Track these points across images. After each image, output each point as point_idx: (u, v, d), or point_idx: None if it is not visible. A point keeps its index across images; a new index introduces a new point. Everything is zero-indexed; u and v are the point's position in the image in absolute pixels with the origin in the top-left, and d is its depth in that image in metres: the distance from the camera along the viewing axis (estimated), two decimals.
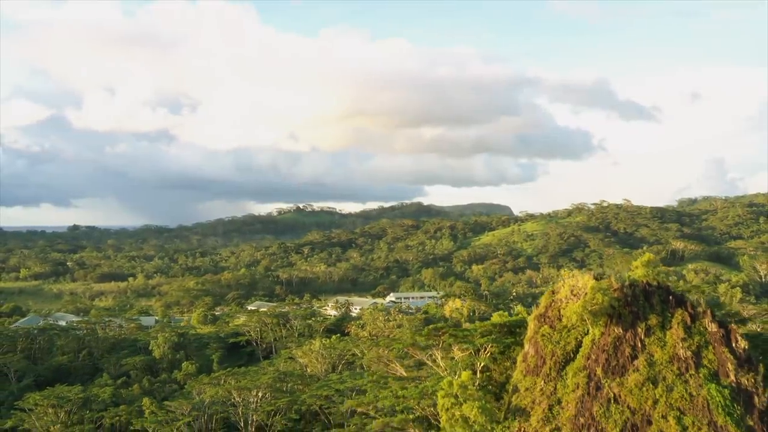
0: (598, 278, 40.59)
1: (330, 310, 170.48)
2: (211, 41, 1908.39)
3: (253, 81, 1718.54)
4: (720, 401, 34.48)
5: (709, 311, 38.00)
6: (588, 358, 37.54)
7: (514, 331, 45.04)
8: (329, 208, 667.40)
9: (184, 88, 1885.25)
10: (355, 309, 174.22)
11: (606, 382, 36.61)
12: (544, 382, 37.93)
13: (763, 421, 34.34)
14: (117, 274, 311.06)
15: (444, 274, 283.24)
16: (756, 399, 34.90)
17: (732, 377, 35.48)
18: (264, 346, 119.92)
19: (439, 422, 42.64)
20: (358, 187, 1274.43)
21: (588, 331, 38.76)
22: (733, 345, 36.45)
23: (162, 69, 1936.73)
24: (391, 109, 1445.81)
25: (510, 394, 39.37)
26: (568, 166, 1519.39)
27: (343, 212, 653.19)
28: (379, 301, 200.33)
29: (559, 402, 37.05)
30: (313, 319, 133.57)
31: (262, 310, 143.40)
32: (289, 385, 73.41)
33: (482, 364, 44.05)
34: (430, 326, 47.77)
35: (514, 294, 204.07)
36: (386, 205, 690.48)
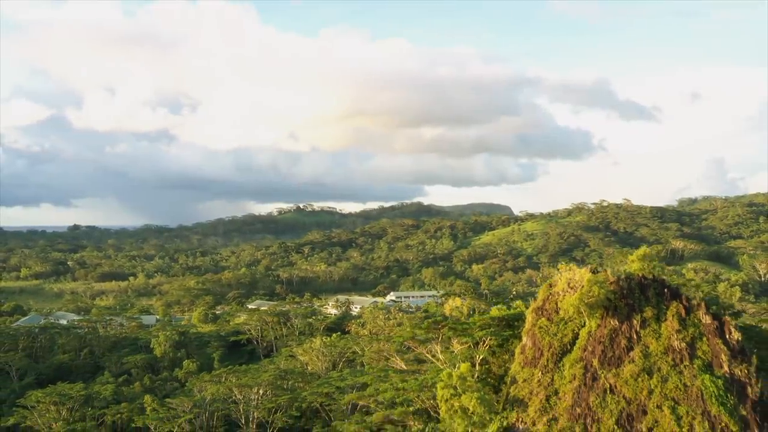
0: (594, 272, 41.24)
1: (330, 309, 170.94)
2: (211, 41, 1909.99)
3: (253, 81, 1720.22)
4: (714, 391, 35.13)
5: (703, 304, 38.71)
6: (584, 350, 38.23)
7: (513, 324, 45.76)
8: (329, 208, 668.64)
9: (184, 88, 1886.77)
10: (356, 308, 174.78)
11: (602, 373, 37.30)
12: (542, 374, 38.62)
13: (756, 410, 34.98)
14: (117, 274, 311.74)
15: (444, 273, 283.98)
16: (749, 389, 35.55)
17: (725, 368, 36.15)
18: (265, 344, 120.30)
19: (439, 414, 43.31)
20: (358, 187, 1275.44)
21: (585, 323, 39.47)
22: (727, 337, 37.12)
23: (162, 69, 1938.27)
24: (392, 109, 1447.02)
25: (508, 386, 40.06)
26: (568, 166, 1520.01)
27: (343, 212, 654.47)
28: (379, 300, 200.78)
29: (556, 393, 37.73)
30: (313, 317, 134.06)
31: (262, 308, 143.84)
32: (289, 382, 73.85)
33: (481, 357, 44.72)
34: (430, 319, 48.36)
35: (514, 293, 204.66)
36: (386, 205, 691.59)
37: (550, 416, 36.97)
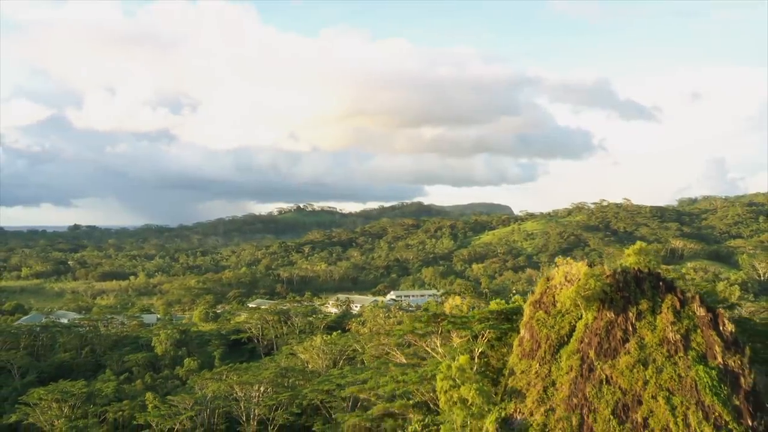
0: (591, 265, 41.97)
1: (331, 308, 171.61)
2: (212, 41, 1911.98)
3: (254, 81, 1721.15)
4: (707, 382, 35.79)
5: (697, 296, 39.39)
6: (581, 342, 38.91)
7: (511, 317, 46.48)
8: (330, 207, 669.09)
9: (185, 88, 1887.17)
10: (356, 307, 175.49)
11: (598, 364, 37.97)
12: (539, 365, 39.31)
13: (749, 400, 35.64)
14: (118, 273, 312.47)
15: (444, 272, 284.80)
16: (742, 380, 36.21)
17: (719, 359, 36.82)
18: (265, 343, 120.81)
19: (438, 406, 43.97)
20: (358, 186, 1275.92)
21: (581, 315, 40.16)
22: (721, 328, 37.80)
23: (162, 69, 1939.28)
24: (392, 108, 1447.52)
25: (506, 377, 40.75)
26: (568, 166, 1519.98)
27: (343, 212, 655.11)
28: (379, 299, 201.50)
29: (553, 384, 38.40)
30: (313, 316, 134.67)
31: (263, 307, 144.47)
32: (290, 380, 74.23)
33: (480, 350, 45.39)
34: (430, 313, 49.06)
35: (514, 291, 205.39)
36: (387, 204, 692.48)
37: (548, 407, 37.65)
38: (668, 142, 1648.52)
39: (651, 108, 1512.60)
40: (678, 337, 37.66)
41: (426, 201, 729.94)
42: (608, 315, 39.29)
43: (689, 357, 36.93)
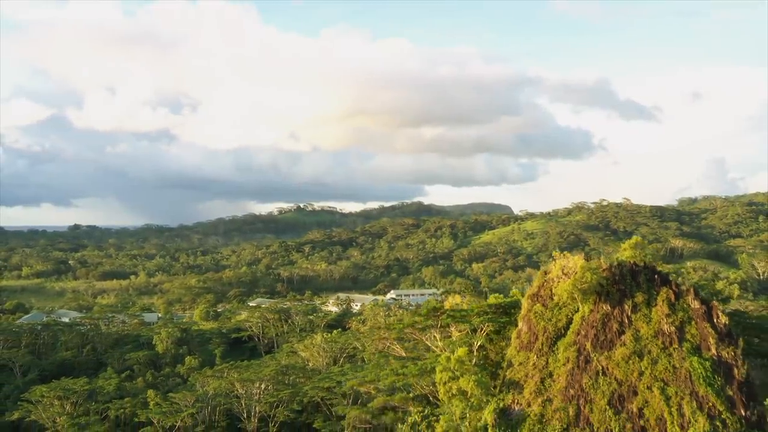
0: (587, 259, 42.66)
1: (331, 306, 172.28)
2: (212, 41, 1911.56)
3: (254, 81, 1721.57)
4: (702, 373, 36.47)
5: (692, 289, 40.09)
6: (578, 334, 39.60)
7: (509, 311, 47.18)
8: (330, 207, 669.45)
9: (185, 87, 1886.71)
10: (356, 306, 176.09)
11: (595, 355, 38.65)
12: (537, 357, 39.99)
13: (742, 391, 36.33)
14: (119, 273, 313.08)
15: (444, 272, 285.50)
16: (735, 371, 36.90)
17: (713, 350, 37.50)
18: (266, 341, 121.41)
19: (438, 399, 44.64)
20: (358, 186, 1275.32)
21: (578, 308, 40.85)
22: (715, 321, 38.49)
23: (162, 69, 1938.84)
24: (392, 108, 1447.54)
25: (505, 369, 41.44)
26: (568, 166, 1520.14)
27: (343, 212, 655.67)
28: (379, 298, 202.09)
29: (550, 375, 39.09)
30: (314, 314, 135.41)
31: (263, 306, 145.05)
32: (291, 377, 74.81)
33: (479, 343, 46.07)
34: (430, 307, 49.77)
35: (514, 290, 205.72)
36: (387, 204, 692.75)
37: (545, 397, 38.33)
38: (668, 142, 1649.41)
39: (651, 108, 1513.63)
40: (673, 329, 38.33)
41: (426, 201, 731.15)
42: (604, 307, 39.98)
43: (684, 348, 37.60)
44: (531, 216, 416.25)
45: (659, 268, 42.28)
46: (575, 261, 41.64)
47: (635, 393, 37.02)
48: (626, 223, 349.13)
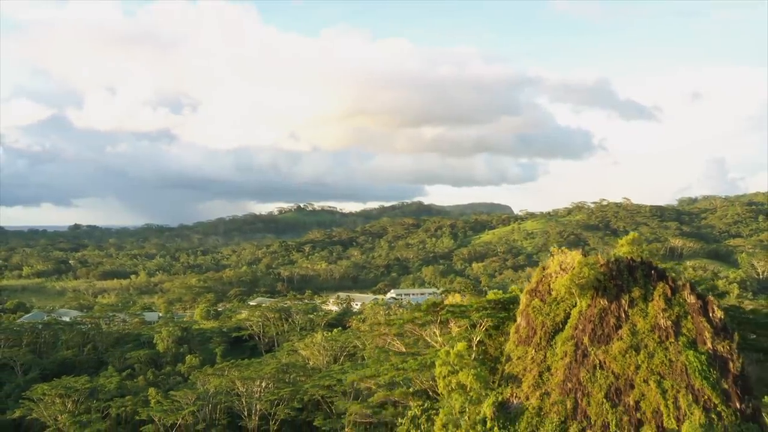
0: (585, 254, 43.18)
1: (331, 305, 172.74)
2: (212, 41, 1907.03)
3: (254, 81, 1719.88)
4: (697, 366, 36.99)
5: (688, 284, 40.62)
6: (575, 328, 40.13)
7: (508, 307, 47.69)
8: (330, 207, 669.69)
9: (185, 87, 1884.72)
10: (356, 305, 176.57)
11: (592, 350, 39.17)
12: (535, 351, 40.52)
13: (737, 384, 36.87)
14: (119, 272, 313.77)
15: (444, 271, 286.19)
16: (731, 364, 37.43)
17: (709, 344, 38.02)
18: (266, 340, 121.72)
19: (438, 394, 45.15)
20: (358, 186, 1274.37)
21: (576, 303, 41.38)
22: (710, 315, 39.02)
23: (162, 69, 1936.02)
24: (392, 108, 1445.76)
25: (503, 363, 41.96)
26: (568, 166, 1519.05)
27: (343, 212, 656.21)
28: (379, 297, 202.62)
29: (548, 369, 39.62)
30: (314, 313, 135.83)
31: (264, 305, 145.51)
32: (291, 376, 75.12)
33: (478, 339, 46.59)
34: (429, 300, 50.27)
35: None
36: (387, 204, 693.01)
37: (543, 391, 38.85)
38: (668, 142, 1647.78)
39: (651, 108, 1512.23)
40: (669, 323, 38.85)
41: (426, 201, 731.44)
42: (602, 302, 40.50)
43: (680, 342, 38.11)
44: (531, 216, 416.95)
45: (656, 264, 42.76)
46: (573, 257, 42.20)
47: (632, 386, 37.55)
48: (626, 223, 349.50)
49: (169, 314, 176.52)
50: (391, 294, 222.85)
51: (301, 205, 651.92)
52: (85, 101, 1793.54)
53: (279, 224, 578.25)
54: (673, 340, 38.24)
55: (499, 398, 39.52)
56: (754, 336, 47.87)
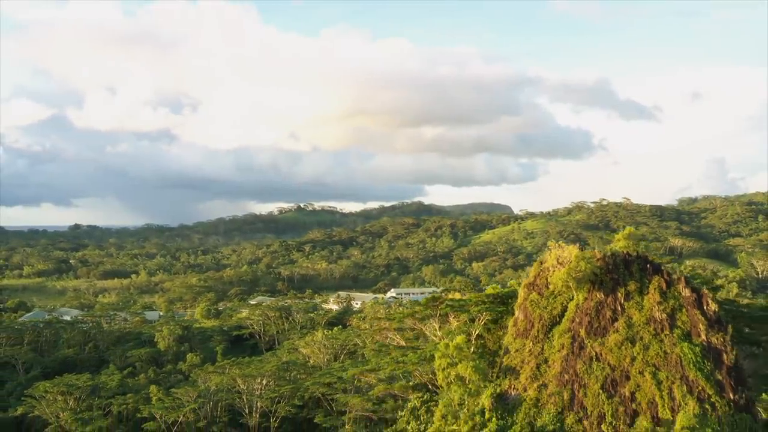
0: (582, 249, 43.86)
1: (331, 304, 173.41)
2: (212, 41, 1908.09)
3: (254, 81, 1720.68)
4: (692, 358, 37.66)
5: (683, 278, 41.32)
6: (572, 321, 40.82)
7: (506, 301, 48.42)
8: (330, 207, 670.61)
9: (185, 87, 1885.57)
10: (357, 304, 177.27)
11: (588, 342, 39.85)
12: (533, 344, 41.21)
13: (731, 375, 37.55)
14: (120, 272, 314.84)
15: (444, 271, 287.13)
16: (725, 356, 38.12)
17: (703, 337, 38.70)
18: (267, 338, 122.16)
19: (437, 388, 45.84)
20: (358, 186, 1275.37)
21: (573, 296, 42.06)
22: (705, 308, 39.69)
23: (163, 69, 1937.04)
24: (392, 108, 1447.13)
25: (501, 356, 42.66)
26: (568, 166, 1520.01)
27: (344, 212, 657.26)
28: (380, 296, 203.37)
29: (545, 361, 40.30)
30: (315, 312, 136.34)
31: (264, 304, 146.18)
32: (292, 373, 75.46)
33: (477, 332, 47.30)
34: (429, 296, 50.99)
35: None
36: (387, 204, 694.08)
37: (540, 383, 39.54)
38: (668, 142, 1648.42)
39: (651, 108, 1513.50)
40: (664, 316, 39.52)
41: (426, 201, 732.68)
42: (598, 296, 41.17)
43: (674, 335, 38.78)
44: (531, 215, 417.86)
45: (651, 258, 43.47)
46: (570, 251, 42.89)
47: (627, 378, 38.22)
48: (626, 223, 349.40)
49: (169, 313, 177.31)
50: (391, 293, 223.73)
51: (302, 205, 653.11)
52: (85, 101, 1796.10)
53: (279, 224, 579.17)
54: (668, 333, 38.91)
55: (498, 390, 40.19)
56: (749, 329, 48.48)
